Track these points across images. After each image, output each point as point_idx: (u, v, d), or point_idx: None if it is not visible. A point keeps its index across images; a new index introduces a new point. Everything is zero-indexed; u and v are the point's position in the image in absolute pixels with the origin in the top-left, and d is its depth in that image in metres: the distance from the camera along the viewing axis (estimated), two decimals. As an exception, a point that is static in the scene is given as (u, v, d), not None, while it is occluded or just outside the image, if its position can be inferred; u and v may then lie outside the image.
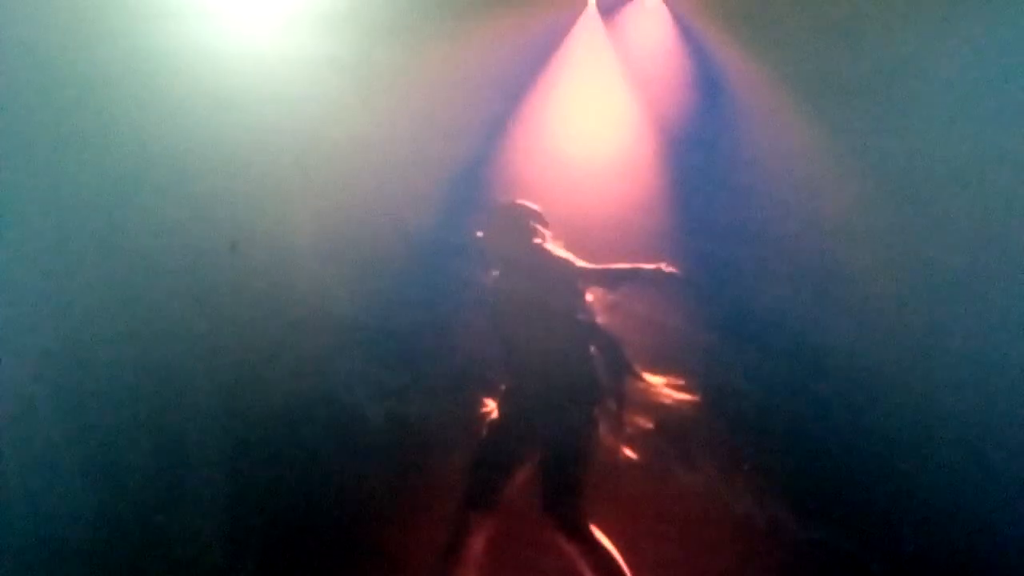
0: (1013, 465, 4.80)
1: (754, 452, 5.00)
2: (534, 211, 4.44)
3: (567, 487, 4.24)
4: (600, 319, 4.31)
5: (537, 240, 4.39)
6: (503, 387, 4.37)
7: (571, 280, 4.32)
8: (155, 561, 4.67)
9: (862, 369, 5.01)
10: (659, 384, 4.30)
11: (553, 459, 4.25)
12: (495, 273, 4.43)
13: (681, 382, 4.32)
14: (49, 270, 4.69)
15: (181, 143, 4.86)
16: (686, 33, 5.33)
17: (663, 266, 4.41)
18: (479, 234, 4.44)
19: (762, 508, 4.88)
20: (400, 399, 5.01)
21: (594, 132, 5.26)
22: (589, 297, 4.33)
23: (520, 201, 4.47)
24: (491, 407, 4.40)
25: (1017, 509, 4.74)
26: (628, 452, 4.24)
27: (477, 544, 4.26)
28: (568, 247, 4.41)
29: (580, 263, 4.35)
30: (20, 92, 4.72)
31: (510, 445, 4.32)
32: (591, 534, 4.21)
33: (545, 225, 4.43)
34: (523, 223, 4.40)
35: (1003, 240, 4.97)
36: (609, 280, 4.36)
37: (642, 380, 4.28)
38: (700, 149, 5.23)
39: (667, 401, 4.29)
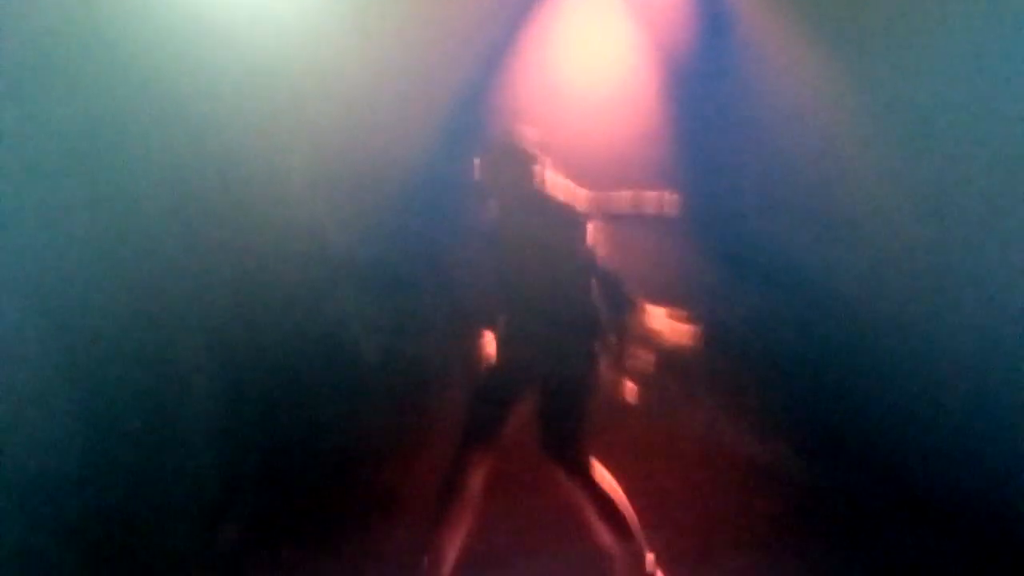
0: (1016, 399, 4.74)
1: (757, 388, 4.99)
2: (534, 143, 4.34)
3: (567, 423, 4.19)
4: (601, 253, 4.23)
5: (536, 172, 4.30)
6: (502, 322, 4.30)
7: (571, 212, 4.23)
8: (151, 498, 4.63)
9: (867, 305, 4.97)
10: (661, 318, 4.22)
11: (553, 395, 4.20)
12: (493, 207, 4.34)
13: (683, 316, 4.24)
14: (39, 206, 4.60)
15: (172, 75, 4.75)
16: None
17: (665, 199, 4.33)
18: (477, 166, 4.35)
19: (764, 446, 4.88)
20: (397, 335, 5.01)
21: (596, 63, 5.18)
22: (590, 231, 4.24)
23: (519, 132, 4.36)
24: (490, 342, 4.33)
25: (1019, 440, 4.69)
26: (629, 388, 4.17)
27: (476, 481, 4.21)
28: (569, 179, 4.31)
29: (581, 196, 4.26)
30: (17, 70, 4.60)
31: (509, 381, 4.26)
32: (591, 470, 4.17)
33: (545, 156, 4.33)
34: (522, 155, 4.30)
35: (1017, 182, 4.85)
36: (610, 211, 4.28)
37: (643, 314, 4.20)
38: (704, 80, 5.15)
39: (669, 336, 4.22)
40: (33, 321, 4.55)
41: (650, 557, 4.15)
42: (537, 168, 4.29)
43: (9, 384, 4.42)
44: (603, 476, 4.18)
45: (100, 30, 4.66)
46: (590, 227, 4.24)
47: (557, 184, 4.29)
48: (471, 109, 5.02)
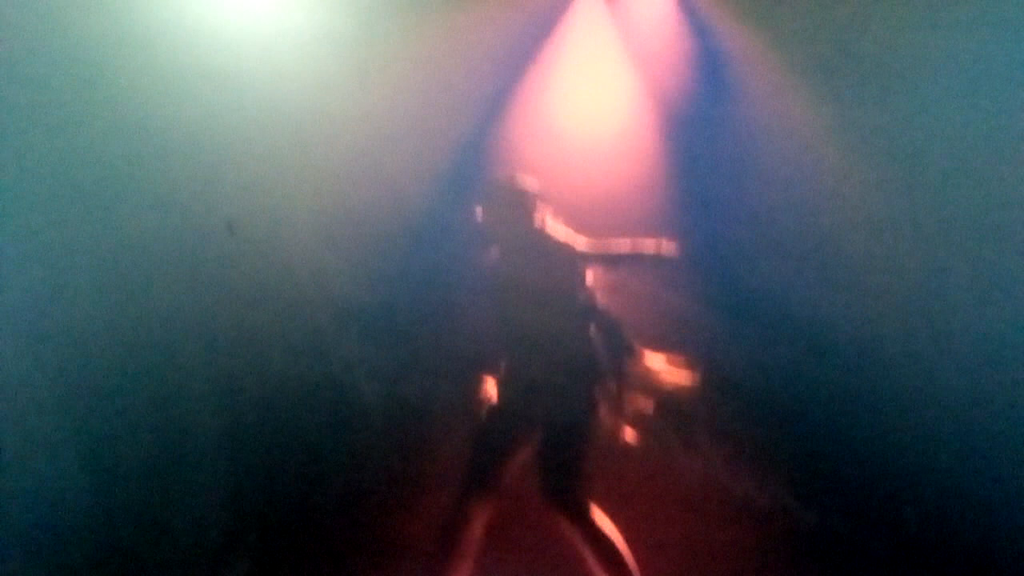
0: (1016, 450, 4.77)
1: (755, 434, 4.98)
2: (533, 189, 4.39)
3: (567, 469, 4.20)
4: (600, 299, 4.27)
5: (537, 219, 4.35)
6: (502, 368, 4.33)
7: (571, 260, 4.27)
8: (153, 543, 4.66)
9: (864, 351, 5.00)
10: (660, 365, 4.25)
11: (553, 441, 4.22)
12: (494, 252, 4.39)
13: (682, 363, 4.27)
14: (41, 252, 4.65)
15: (178, 122, 4.81)
16: (688, 10, 5.29)
17: (663, 246, 4.37)
18: (478, 213, 4.40)
19: (763, 491, 4.88)
20: (399, 380, 5.01)
21: (595, 111, 5.24)
22: (589, 277, 4.28)
23: (520, 179, 4.42)
24: (490, 388, 4.36)
25: (1019, 493, 4.71)
26: (629, 434, 4.19)
27: (477, 527, 4.22)
28: (568, 226, 4.36)
29: (580, 242, 4.31)
30: (15, 73, 4.66)
31: (510, 427, 4.28)
32: (592, 517, 4.18)
33: (545, 204, 4.38)
34: (523, 202, 4.35)
35: (1009, 223, 4.92)
36: (609, 260, 4.31)
37: (642, 361, 4.23)
38: (701, 128, 5.20)
39: (668, 382, 4.25)
40: (39, 373, 4.58)
41: (649, 600, 4.16)
42: (537, 214, 4.34)
43: (17, 438, 4.45)
44: (602, 521, 4.19)
45: (106, 78, 4.73)
46: (589, 273, 4.28)
47: (557, 230, 4.34)
48: (472, 155, 5.08)
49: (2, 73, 4.61)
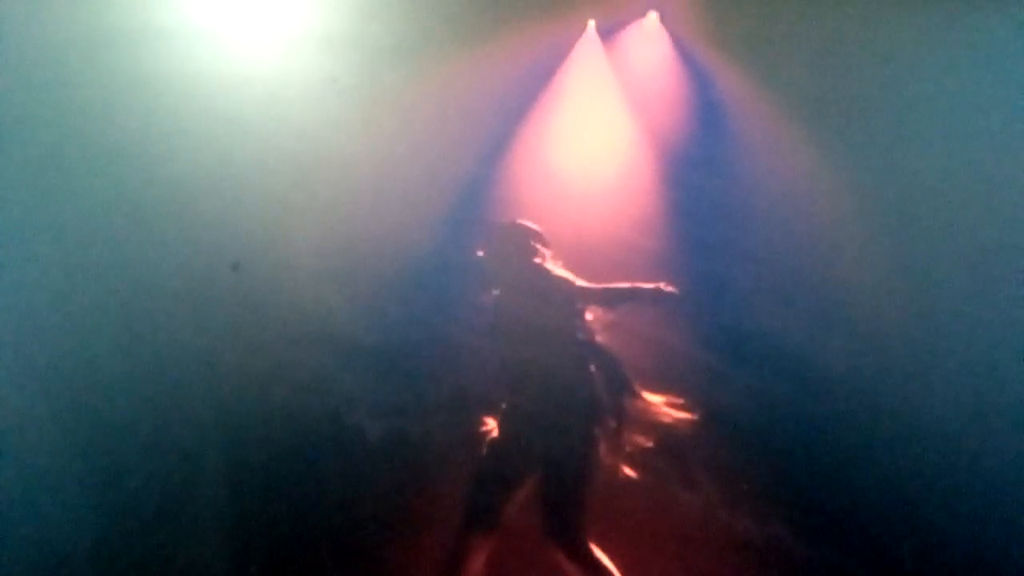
0: (1013, 485, 4.81)
1: (753, 471, 5.00)
2: (534, 231, 4.47)
3: (567, 506, 4.23)
4: (599, 338, 4.32)
5: (537, 260, 4.42)
6: (503, 406, 4.38)
7: (571, 299, 4.34)
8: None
9: (860, 387, 5.03)
10: (658, 403, 4.31)
11: (553, 478, 4.25)
12: (495, 292, 4.45)
13: (680, 401, 4.32)
14: (51, 290, 4.70)
15: (184, 163, 4.88)
16: (685, 55, 5.37)
17: (662, 285, 4.42)
18: (480, 254, 4.46)
19: (761, 527, 4.88)
20: (400, 417, 5.01)
21: (594, 152, 5.31)
22: (589, 316, 4.35)
23: (521, 221, 4.49)
24: (491, 426, 4.40)
25: (1017, 529, 4.74)
26: (628, 471, 4.23)
27: (477, 563, 4.25)
28: (568, 266, 4.43)
29: (579, 283, 4.37)
30: (25, 117, 4.72)
31: (510, 464, 4.32)
32: (591, 553, 4.21)
33: (545, 245, 4.45)
34: (523, 243, 4.43)
35: (1000, 257, 5.00)
36: (608, 299, 4.37)
37: (641, 399, 4.29)
38: (698, 169, 5.27)
39: (666, 420, 4.30)
40: (44, 409, 4.60)
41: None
42: (538, 255, 4.41)
43: (23, 474, 4.48)
44: (602, 558, 4.21)
45: (116, 118, 4.81)
46: (588, 312, 4.34)
47: (557, 272, 4.40)
48: (473, 197, 5.14)
49: (14, 118, 4.67)
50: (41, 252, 4.73)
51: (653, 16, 5.39)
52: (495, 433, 4.38)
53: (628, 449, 4.25)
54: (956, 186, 5.01)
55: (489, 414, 4.43)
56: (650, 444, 4.28)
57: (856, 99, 5.16)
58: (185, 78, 4.88)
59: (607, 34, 5.41)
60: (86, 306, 4.76)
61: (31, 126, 4.75)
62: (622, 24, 5.44)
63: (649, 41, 5.40)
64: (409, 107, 5.19)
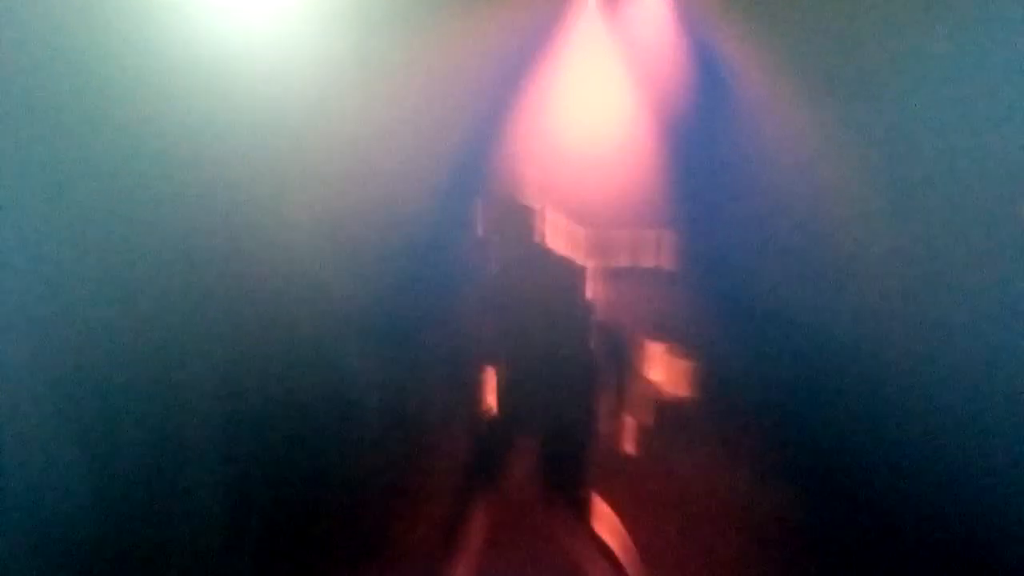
0: (1017, 449, 4.78)
1: (756, 444, 4.99)
2: (534, 207, 4.44)
3: (568, 474, 4.24)
4: (600, 306, 4.30)
5: (537, 228, 4.40)
6: (503, 375, 4.37)
7: (571, 275, 4.33)
8: (152, 554, 4.65)
9: (865, 358, 4.99)
10: (659, 377, 4.31)
11: (553, 448, 4.26)
12: (495, 261, 4.43)
13: (682, 371, 4.31)
14: (44, 261, 4.64)
15: (178, 138, 4.80)
16: (687, 23, 5.30)
17: (662, 260, 4.41)
18: (479, 223, 4.44)
19: (763, 493, 4.88)
20: (400, 387, 5.02)
21: (595, 124, 5.24)
22: (589, 292, 4.33)
23: (521, 197, 4.47)
24: (491, 395, 4.40)
25: (1021, 492, 4.72)
26: (629, 439, 4.22)
27: (477, 536, 4.27)
28: (568, 240, 4.41)
29: (580, 256, 4.35)
30: (16, 84, 4.69)
31: (511, 433, 4.32)
32: (592, 521, 4.21)
33: (545, 211, 4.43)
34: (524, 206, 4.41)
35: (1008, 229, 4.93)
36: (609, 275, 4.36)
37: (642, 366, 4.28)
38: (701, 140, 5.21)
39: (667, 387, 4.29)
40: (40, 382, 4.58)
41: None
42: (538, 219, 4.39)
43: (16, 436, 4.47)
44: (603, 525, 4.22)
45: (106, 82, 4.71)
46: (589, 278, 4.32)
47: (557, 239, 4.38)
48: (472, 164, 5.08)
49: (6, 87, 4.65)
50: (33, 228, 4.66)
51: (654, -16, 5.34)
52: (495, 406, 4.38)
53: (629, 416, 4.23)
54: (969, 146, 4.92)
55: (489, 387, 4.42)
56: (651, 410, 4.26)
57: (865, 69, 5.08)
58: (177, 52, 4.81)
59: (608, 2, 5.35)
60: (79, 282, 4.70)
61: (23, 100, 4.70)
62: (623, -8, 5.39)
63: (651, 8, 5.33)
64: (407, 79, 5.11)
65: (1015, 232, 4.93)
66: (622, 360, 4.28)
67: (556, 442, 4.26)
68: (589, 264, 4.35)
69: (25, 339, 4.58)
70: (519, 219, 4.40)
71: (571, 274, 4.33)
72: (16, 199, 4.61)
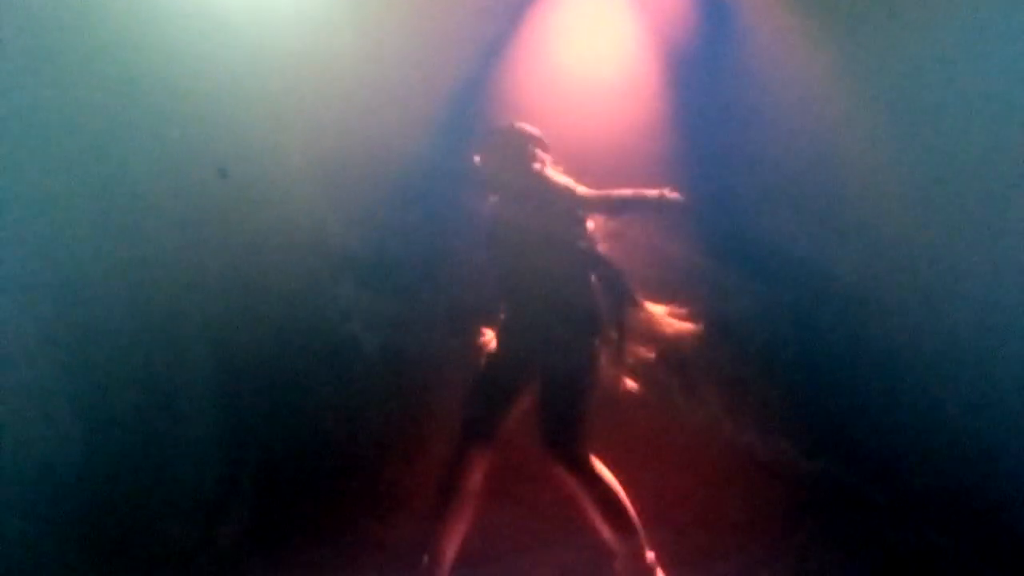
0: (1017, 397, 4.75)
1: (758, 383, 4.96)
2: (534, 135, 4.31)
3: (567, 419, 4.16)
4: (601, 247, 4.21)
5: (537, 166, 4.27)
6: (502, 317, 4.28)
7: (572, 207, 4.21)
8: (149, 496, 4.65)
9: (868, 299, 4.94)
10: (661, 314, 4.21)
11: (553, 390, 4.18)
12: (493, 199, 4.32)
13: (684, 312, 4.23)
14: (31, 192, 4.60)
15: (169, 66, 4.72)
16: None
17: (666, 192, 4.30)
18: (477, 159, 4.32)
19: (765, 440, 4.87)
20: (396, 329, 4.97)
21: (596, 54, 5.10)
22: (590, 224, 4.22)
23: (519, 125, 4.34)
24: (489, 337, 4.32)
25: (1020, 438, 4.71)
26: (629, 383, 4.16)
27: (475, 477, 4.19)
28: (569, 172, 4.28)
29: (581, 189, 4.24)
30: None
31: (509, 376, 4.24)
32: (591, 466, 4.15)
33: (545, 150, 4.31)
34: (522, 148, 4.28)
35: (1012, 171, 4.85)
36: (611, 207, 4.24)
37: (644, 310, 4.19)
38: (705, 73, 5.09)
39: (669, 331, 4.21)
40: (31, 318, 4.57)
41: (650, 555, 4.14)
42: (537, 161, 4.27)
43: (10, 385, 4.45)
44: (603, 472, 4.16)
45: (98, 28, 4.65)
46: (590, 221, 4.22)
47: (557, 178, 4.26)
48: (471, 102, 4.97)
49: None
50: (26, 175, 4.61)
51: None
52: (493, 345, 4.30)
53: (630, 361, 4.17)
54: (979, 91, 4.85)
55: (487, 326, 4.34)
56: (652, 356, 4.20)
57: (872, 9, 4.98)
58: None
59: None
60: (67, 215, 4.67)
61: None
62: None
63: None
64: (403, 6, 4.98)
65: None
66: (622, 303, 4.18)
67: (555, 382, 4.17)
68: (590, 202, 4.22)
69: (18, 313, 4.55)
70: (518, 156, 4.28)
71: (570, 216, 4.21)
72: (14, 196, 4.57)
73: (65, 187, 4.63)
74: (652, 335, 4.20)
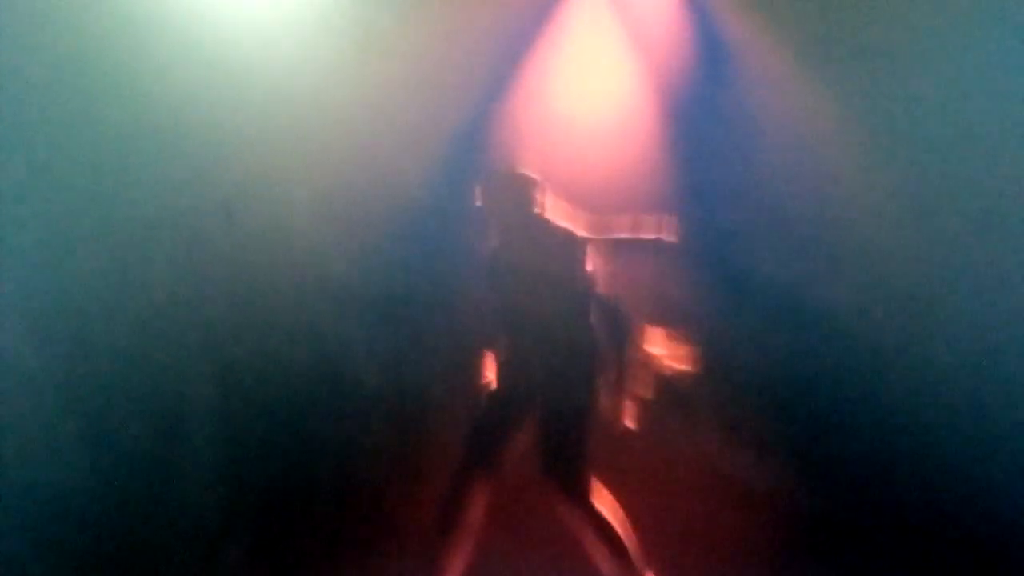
0: (1015, 422, 4.77)
1: (756, 419, 4.98)
2: (533, 179, 4.39)
3: (567, 455, 4.21)
4: (600, 284, 4.27)
5: (537, 205, 4.35)
6: (503, 355, 4.33)
7: (571, 249, 4.27)
8: (151, 528, 4.66)
9: (866, 336, 4.96)
10: (660, 349, 4.27)
11: (553, 428, 4.23)
12: (494, 238, 4.38)
13: (683, 347, 4.28)
14: (38, 235, 4.64)
15: (174, 109, 4.77)
16: (690, 1, 5.24)
17: (664, 234, 4.38)
18: (478, 202, 4.39)
19: (763, 475, 4.88)
20: (398, 364, 5.00)
21: (596, 96, 5.17)
22: (589, 262, 4.28)
23: (520, 169, 4.41)
24: (490, 368, 4.37)
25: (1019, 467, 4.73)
26: (629, 418, 4.20)
27: (475, 512, 4.24)
28: (568, 213, 4.35)
29: (580, 232, 4.31)
30: (10, 56, 4.63)
31: (509, 414, 4.30)
32: (591, 502, 4.20)
33: (545, 189, 4.38)
34: (523, 191, 4.35)
35: (1015, 210, 4.90)
36: (609, 249, 4.31)
37: (643, 345, 4.24)
38: (702, 114, 5.15)
39: (668, 367, 4.27)
40: (35, 342, 4.58)
41: (649, 580, 4.17)
42: (537, 194, 4.34)
43: (11, 401, 4.48)
44: (602, 504, 4.20)
45: (104, 57, 4.70)
46: (590, 252, 4.28)
47: (557, 210, 4.33)
48: (472, 141, 5.03)
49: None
50: (24, 193, 4.65)
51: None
52: (494, 380, 4.35)
53: (629, 395, 4.20)
54: (977, 132, 4.90)
55: (488, 364, 4.39)
56: (651, 390, 4.24)
57: (870, 42, 5.02)
58: (173, 20, 4.77)
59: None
60: (75, 255, 4.70)
61: (17, 70, 4.65)
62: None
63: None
64: (406, 48, 5.04)
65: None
66: (622, 334, 4.23)
67: (555, 419, 4.23)
68: (589, 240, 4.29)
69: (24, 316, 4.58)
70: (519, 194, 4.35)
71: (570, 247, 4.28)
72: (12, 180, 4.60)
73: (66, 225, 4.68)
74: (651, 364, 4.25)
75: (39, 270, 4.64)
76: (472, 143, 5.03)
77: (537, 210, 4.34)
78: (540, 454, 4.24)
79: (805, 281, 4.99)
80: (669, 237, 4.39)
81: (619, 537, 4.16)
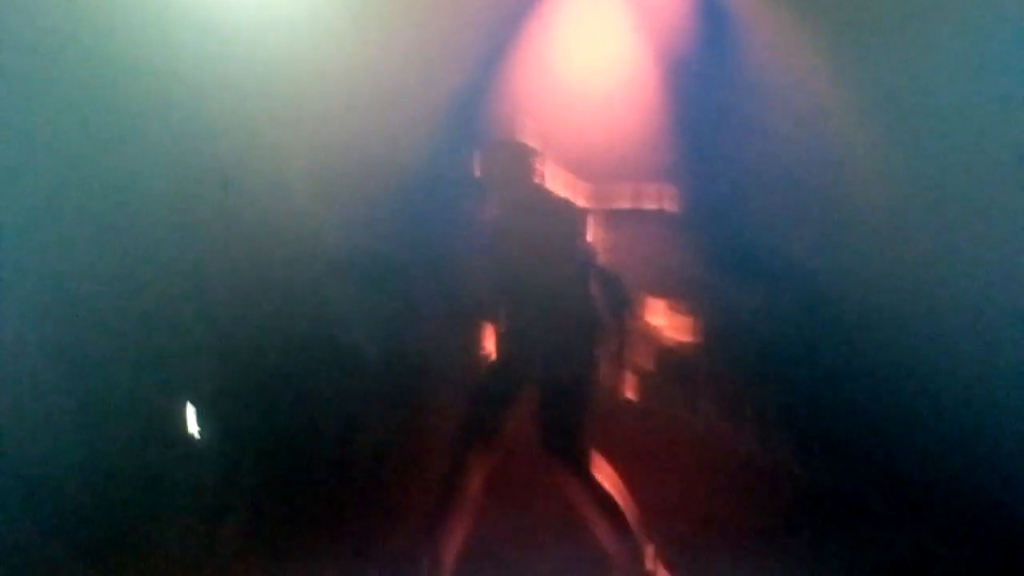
0: (1016, 398, 4.74)
1: (757, 393, 4.98)
2: (534, 143, 4.35)
3: (567, 421, 4.20)
4: (601, 254, 4.24)
5: (537, 173, 4.31)
6: (502, 319, 4.31)
7: (571, 219, 4.25)
8: (148, 502, 4.66)
9: (867, 306, 4.95)
10: (660, 320, 4.24)
11: (553, 399, 4.21)
12: (494, 207, 4.35)
13: (683, 313, 4.26)
14: (33, 200, 4.63)
15: (171, 77, 4.76)
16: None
17: (665, 205, 4.34)
18: (478, 162, 4.35)
19: (764, 448, 4.88)
20: (396, 333, 5.00)
21: (596, 59, 5.15)
22: (590, 231, 4.25)
23: (519, 138, 4.38)
24: (489, 340, 4.35)
25: (1019, 439, 4.70)
26: (629, 389, 4.18)
27: (475, 480, 4.23)
28: (568, 181, 4.32)
29: (581, 197, 4.27)
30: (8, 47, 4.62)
31: (509, 384, 4.28)
32: (591, 474, 4.18)
33: (546, 157, 4.34)
34: (522, 161, 4.31)
35: (1012, 175, 4.86)
36: (610, 219, 4.28)
37: (643, 316, 4.22)
38: (704, 75, 5.13)
39: (668, 337, 4.24)
40: (33, 321, 4.59)
41: (649, 552, 4.15)
42: (537, 164, 4.31)
43: (10, 387, 4.48)
44: (603, 474, 4.19)
45: (101, 31, 4.69)
46: (590, 223, 4.25)
47: (557, 180, 4.30)
48: (471, 106, 5.01)
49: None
50: (21, 172, 4.63)
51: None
52: (493, 347, 4.33)
53: (629, 366, 4.19)
54: (976, 105, 4.86)
55: (487, 336, 4.37)
56: (651, 361, 4.21)
57: (872, 8, 5.00)
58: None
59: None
60: (70, 222, 4.70)
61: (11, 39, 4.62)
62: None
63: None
64: (404, 18, 5.02)
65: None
66: (622, 306, 4.22)
67: (555, 391, 4.21)
68: (589, 208, 4.26)
69: (20, 288, 4.57)
70: (519, 163, 4.32)
71: (570, 219, 4.25)
72: (15, 198, 4.61)
73: (62, 190, 4.68)
74: (652, 337, 4.23)
75: (38, 235, 4.65)
76: (472, 112, 5.00)
77: (537, 180, 4.30)
78: (540, 426, 4.23)
79: (806, 253, 4.98)
80: (670, 207, 4.35)
81: (620, 509, 4.15)
